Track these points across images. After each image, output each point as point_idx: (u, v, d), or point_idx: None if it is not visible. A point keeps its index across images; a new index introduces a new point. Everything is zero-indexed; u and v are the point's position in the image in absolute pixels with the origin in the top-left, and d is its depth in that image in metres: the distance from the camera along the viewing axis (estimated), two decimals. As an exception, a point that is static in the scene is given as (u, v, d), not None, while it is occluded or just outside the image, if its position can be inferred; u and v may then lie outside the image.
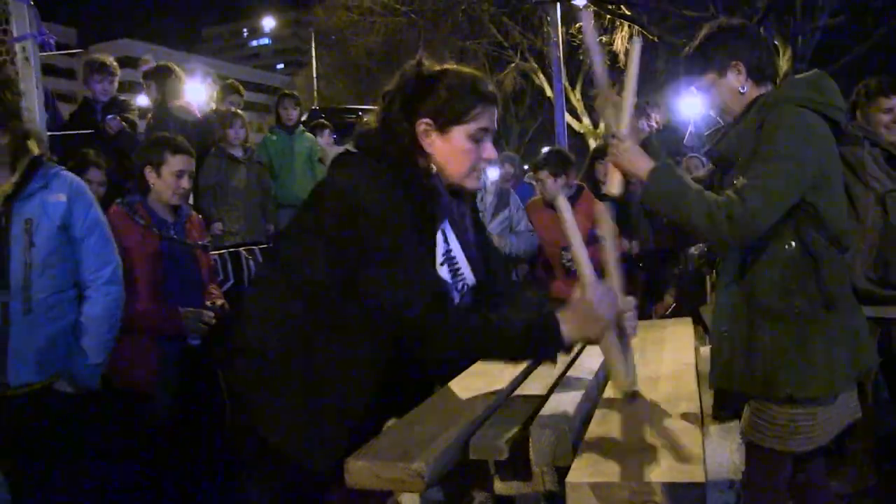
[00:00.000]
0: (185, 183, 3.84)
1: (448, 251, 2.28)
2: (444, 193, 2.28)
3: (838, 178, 2.54)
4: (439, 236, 2.26)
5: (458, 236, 2.33)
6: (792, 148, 2.44)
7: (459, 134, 2.20)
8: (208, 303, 3.93)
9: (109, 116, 5.88)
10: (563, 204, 2.22)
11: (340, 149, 2.37)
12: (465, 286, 2.32)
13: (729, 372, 2.60)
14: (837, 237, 2.52)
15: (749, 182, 2.43)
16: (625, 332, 2.25)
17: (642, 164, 2.53)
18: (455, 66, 2.28)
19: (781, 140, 2.45)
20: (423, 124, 2.20)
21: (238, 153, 6.44)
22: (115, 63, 6.25)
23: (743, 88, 2.63)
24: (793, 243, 2.51)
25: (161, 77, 6.58)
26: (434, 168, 2.24)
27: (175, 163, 3.78)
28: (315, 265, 2.16)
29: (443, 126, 2.20)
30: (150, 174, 3.79)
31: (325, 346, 2.17)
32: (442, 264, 2.26)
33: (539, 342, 2.09)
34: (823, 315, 2.49)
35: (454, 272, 2.29)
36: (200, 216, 4.46)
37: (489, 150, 2.26)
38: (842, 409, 2.58)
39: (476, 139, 2.22)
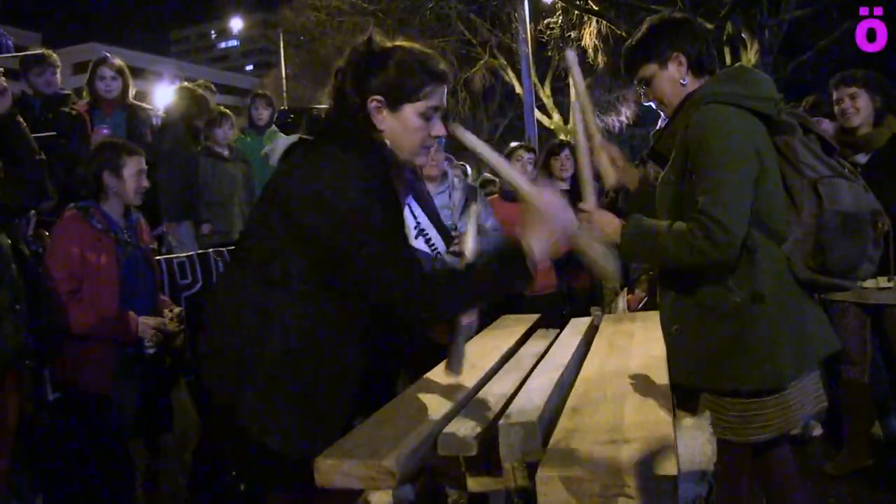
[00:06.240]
0: (144, 182, 3.93)
1: (418, 224, 2.30)
2: (404, 168, 2.29)
3: (773, 171, 2.56)
4: (406, 211, 2.26)
5: (422, 208, 2.34)
6: (729, 148, 2.47)
7: (410, 112, 2.21)
8: (166, 310, 3.92)
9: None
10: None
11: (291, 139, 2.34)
12: (439, 253, 2.34)
13: (679, 368, 2.61)
14: (774, 230, 2.54)
15: (706, 198, 2.43)
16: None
17: (611, 228, 2.58)
18: (405, 44, 2.28)
19: (716, 144, 2.47)
20: (374, 101, 2.20)
21: (225, 153, 6.39)
22: (52, 54, 5.79)
23: (684, 81, 2.66)
24: None
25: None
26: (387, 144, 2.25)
27: (133, 164, 3.87)
28: (292, 261, 2.14)
29: (394, 103, 2.21)
30: (109, 178, 3.82)
31: (309, 339, 2.15)
32: (417, 237, 2.27)
33: (510, 270, 2.10)
34: (757, 308, 2.50)
35: (428, 243, 2.31)
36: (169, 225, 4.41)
37: (438, 127, 2.28)
38: (799, 396, 2.59)
39: (426, 117, 2.24)
